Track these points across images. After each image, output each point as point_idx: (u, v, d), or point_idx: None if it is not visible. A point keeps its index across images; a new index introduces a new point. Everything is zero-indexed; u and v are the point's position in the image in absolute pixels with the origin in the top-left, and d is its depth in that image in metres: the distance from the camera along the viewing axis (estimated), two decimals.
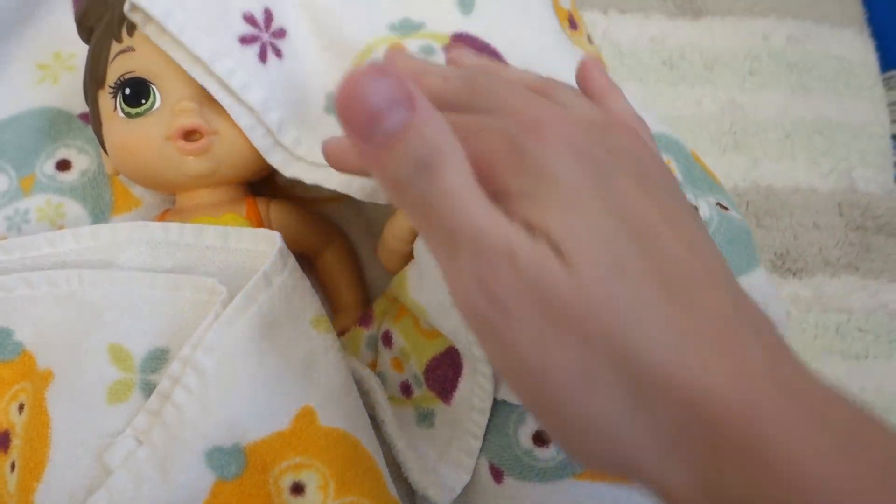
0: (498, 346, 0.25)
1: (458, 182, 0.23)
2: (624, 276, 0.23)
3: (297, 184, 0.52)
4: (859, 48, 0.65)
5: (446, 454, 0.42)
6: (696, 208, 0.43)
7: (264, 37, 0.44)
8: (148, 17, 0.41)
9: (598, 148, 0.26)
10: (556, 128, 0.25)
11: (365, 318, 0.47)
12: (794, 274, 0.57)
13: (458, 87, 0.30)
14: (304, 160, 0.43)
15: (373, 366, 0.46)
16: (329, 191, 0.52)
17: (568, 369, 0.23)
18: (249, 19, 0.43)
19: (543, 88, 0.31)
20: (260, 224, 0.45)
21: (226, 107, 0.42)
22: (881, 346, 0.56)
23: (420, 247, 0.39)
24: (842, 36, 0.65)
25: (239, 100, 0.42)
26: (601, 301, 0.23)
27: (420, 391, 0.43)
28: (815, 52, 0.64)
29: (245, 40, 0.43)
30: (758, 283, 0.44)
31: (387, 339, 0.45)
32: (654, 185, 0.26)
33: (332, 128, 0.44)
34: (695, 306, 0.23)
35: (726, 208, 0.46)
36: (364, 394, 0.42)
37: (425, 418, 0.43)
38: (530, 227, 0.24)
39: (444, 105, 0.26)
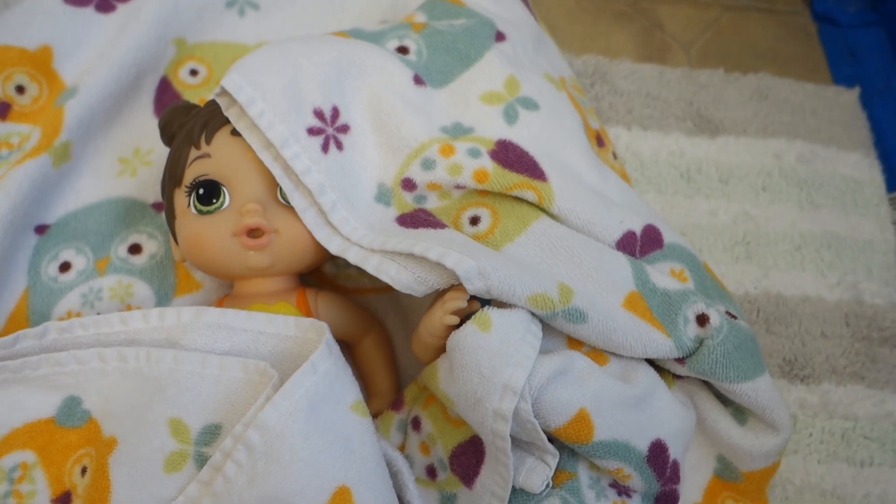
0: None
1: None
2: None
3: (341, 275, 0.58)
4: (866, 169, 0.70)
5: None
6: (707, 316, 0.47)
7: (329, 130, 0.49)
8: (232, 102, 0.48)
9: None
10: None
11: (396, 403, 0.51)
12: (802, 380, 0.61)
13: None
14: (349, 239, 0.48)
15: (402, 448, 0.50)
16: (370, 282, 0.57)
17: None
18: (318, 114, 0.49)
19: None
20: (308, 312, 0.49)
21: (285, 188, 0.47)
22: (886, 453, 0.58)
23: (452, 343, 0.43)
24: (849, 158, 0.70)
25: (298, 183, 0.48)
26: None
27: (445, 475, 0.47)
28: (824, 172, 0.69)
29: (312, 131, 0.49)
30: (763, 388, 0.47)
31: (416, 424, 0.49)
32: None
33: (379, 214, 0.50)
34: None
35: (735, 316, 0.50)
36: (393, 475, 0.46)
37: (448, 500, 0.47)
38: None
39: None
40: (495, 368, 0.41)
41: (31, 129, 0.57)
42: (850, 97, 0.74)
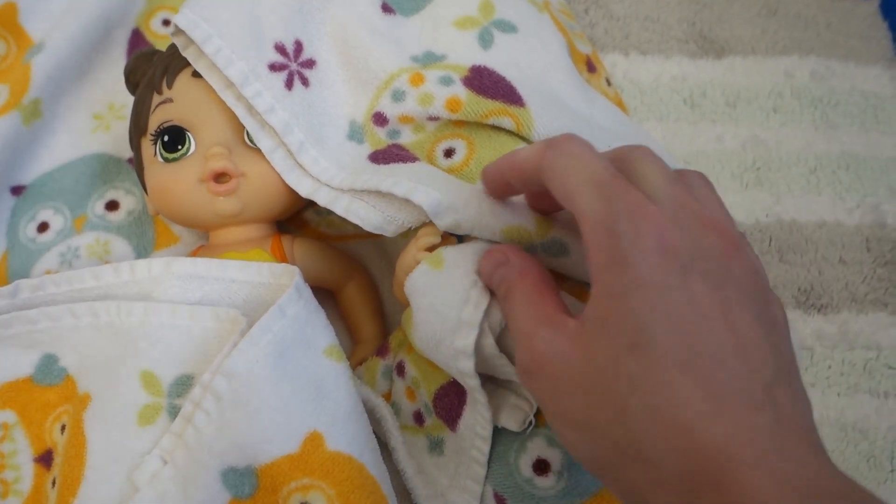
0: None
1: (519, 302, 0.34)
2: (643, 354, 0.28)
3: (323, 221, 0.56)
4: (887, 83, 0.64)
5: (455, 481, 0.44)
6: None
7: (292, 66, 0.47)
8: (189, 41, 0.46)
9: (686, 245, 0.30)
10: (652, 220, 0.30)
11: (382, 349, 0.49)
12: (819, 310, 0.57)
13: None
14: (319, 180, 0.46)
15: (388, 396, 0.48)
16: (353, 228, 0.55)
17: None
18: (280, 49, 0.47)
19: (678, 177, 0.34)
20: (284, 259, 0.48)
21: (250, 129, 0.45)
22: None
23: (408, 286, 0.41)
24: (868, 72, 0.65)
25: (264, 123, 0.45)
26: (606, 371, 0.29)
27: (431, 420, 0.45)
28: (841, 88, 0.64)
29: (274, 67, 0.46)
30: None
31: (400, 369, 0.47)
32: (727, 285, 0.29)
33: (352, 153, 0.47)
34: (723, 392, 0.27)
35: None
36: (376, 422, 0.44)
37: (436, 446, 0.45)
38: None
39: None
40: (450, 305, 0.38)
41: (1, 89, 0.56)
42: (868, 8, 0.69)
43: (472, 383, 0.39)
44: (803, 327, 0.57)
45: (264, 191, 0.47)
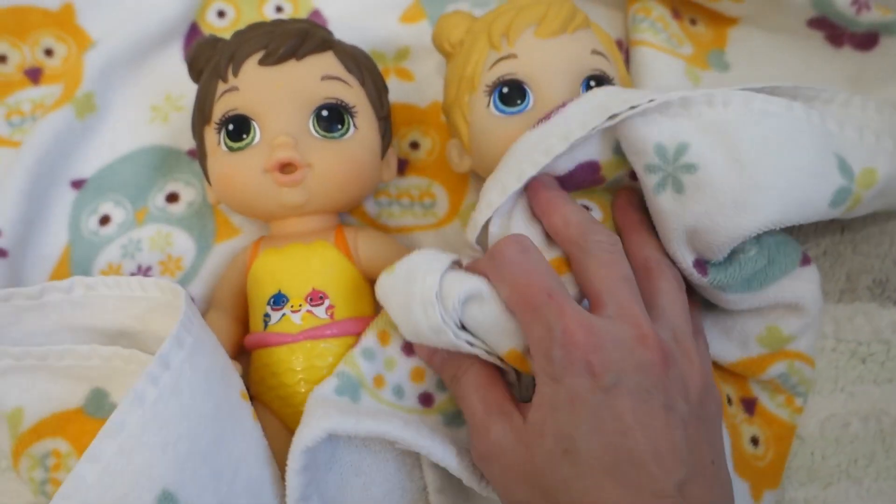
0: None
1: (470, 388, 0.39)
2: (574, 459, 0.33)
3: (383, 213, 0.55)
4: None
5: None
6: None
7: None
8: None
9: (615, 366, 0.34)
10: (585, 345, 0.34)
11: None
12: (895, 303, 0.55)
13: (570, 236, 0.40)
14: None
15: (378, 380, 0.44)
16: (413, 220, 0.55)
17: None
18: None
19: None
20: (347, 251, 0.47)
21: None
22: None
23: (377, 294, 0.41)
24: None
25: None
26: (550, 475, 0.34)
27: (443, 396, 0.44)
28: None
29: None
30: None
31: (409, 349, 0.45)
32: (654, 395, 0.34)
33: None
34: (641, 493, 0.32)
35: None
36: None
37: (453, 420, 0.44)
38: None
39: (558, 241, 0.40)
40: (409, 293, 0.38)
41: (58, 87, 0.56)
42: None
43: (468, 348, 0.39)
44: (879, 320, 0.54)
45: (330, 182, 0.46)
